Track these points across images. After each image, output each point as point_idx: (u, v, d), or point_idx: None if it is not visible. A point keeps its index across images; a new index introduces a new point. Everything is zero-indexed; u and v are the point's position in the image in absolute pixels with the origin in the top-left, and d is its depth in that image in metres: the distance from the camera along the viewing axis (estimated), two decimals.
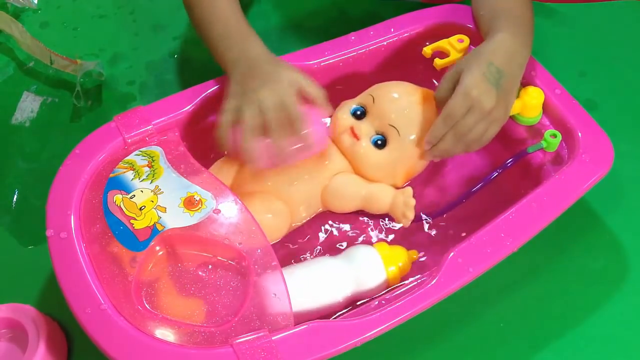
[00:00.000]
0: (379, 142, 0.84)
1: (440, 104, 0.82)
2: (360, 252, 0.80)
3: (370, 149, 0.84)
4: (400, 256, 0.80)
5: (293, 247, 0.85)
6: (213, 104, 0.88)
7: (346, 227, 0.87)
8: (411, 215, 0.81)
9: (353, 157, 0.85)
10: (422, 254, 0.84)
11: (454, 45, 0.89)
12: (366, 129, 0.84)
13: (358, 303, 0.79)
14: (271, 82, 0.81)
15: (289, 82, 0.81)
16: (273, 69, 0.83)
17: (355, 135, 0.84)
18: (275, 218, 0.82)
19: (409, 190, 0.82)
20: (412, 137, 0.83)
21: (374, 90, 0.86)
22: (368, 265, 0.79)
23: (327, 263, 0.80)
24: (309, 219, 0.86)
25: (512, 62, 0.82)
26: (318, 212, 0.86)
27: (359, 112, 0.86)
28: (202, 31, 0.90)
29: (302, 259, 0.84)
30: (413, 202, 0.81)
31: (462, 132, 0.80)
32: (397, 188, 0.85)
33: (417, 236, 0.87)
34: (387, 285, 0.79)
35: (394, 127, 0.83)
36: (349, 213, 0.86)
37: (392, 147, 0.84)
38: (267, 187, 0.83)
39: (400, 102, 0.84)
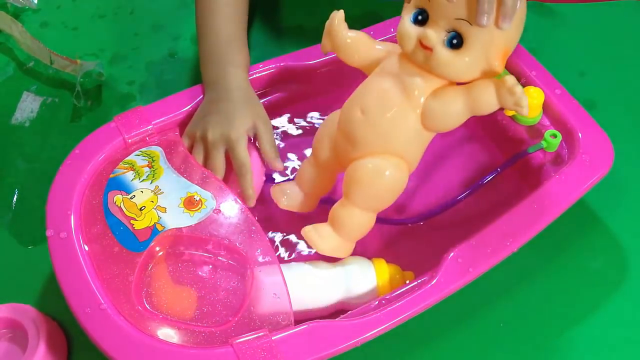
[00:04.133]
0: (454, 40, 0.73)
1: None
2: (356, 265, 0.79)
3: (449, 55, 0.73)
4: (395, 275, 0.79)
5: (290, 247, 0.86)
6: None
7: None
8: (524, 102, 0.72)
9: (434, 70, 0.74)
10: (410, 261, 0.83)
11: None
12: (434, 34, 0.73)
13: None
14: (228, 122, 0.82)
15: (246, 125, 0.83)
16: (240, 107, 0.84)
17: (426, 47, 0.73)
18: (383, 176, 0.76)
19: (509, 79, 0.72)
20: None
21: None
22: (361, 279, 0.78)
23: (320, 268, 0.79)
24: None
25: None
26: None
27: (420, 17, 0.75)
28: (197, 38, 0.91)
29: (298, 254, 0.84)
30: (520, 89, 0.72)
31: None
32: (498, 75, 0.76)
33: (417, 236, 0.87)
34: (375, 297, 0.78)
35: (463, 19, 0.72)
36: None
37: (471, 41, 0.72)
38: (371, 150, 0.77)
39: None
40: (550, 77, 0.90)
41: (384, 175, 0.76)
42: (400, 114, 0.75)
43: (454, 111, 0.75)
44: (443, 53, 0.73)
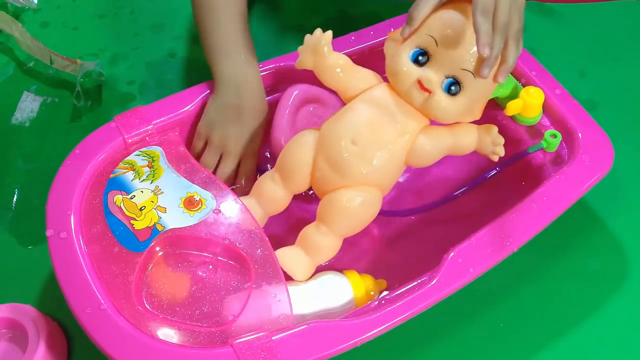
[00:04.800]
0: (453, 87, 0.76)
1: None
2: (331, 281, 0.78)
3: (446, 100, 0.76)
4: (369, 286, 0.79)
5: None
6: None
7: None
8: (501, 152, 0.79)
9: (428, 112, 0.77)
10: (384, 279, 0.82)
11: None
12: (435, 77, 0.76)
13: None
14: (251, 138, 0.86)
15: (261, 139, 0.87)
16: (260, 121, 0.87)
17: (426, 90, 0.76)
18: (369, 209, 0.79)
19: (494, 128, 0.79)
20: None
21: (431, 29, 0.76)
22: (337, 294, 0.77)
23: (295, 284, 0.77)
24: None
25: None
26: None
27: (421, 59, 0.76)
28: (201, 34, 0.91)
29: None
30: (502, 140, 0.78)
31: (502, 22, 0.72)
32: (478, 122, 0.80)
33: (417, 236, 0.87)
34: (353, 309, 0.77)
35: (468, 70, 0.75)
36: None
37: (468, 90, 0.76)
38: (358, 180, 0.77)
39: (469, 41, 0.74)
40: (550, 77, 0.90)
41: (372, 207, 0.79)
42: (393, 150, 0.78)
43: (439, 152, 0.79)
44: (442, 97, 0.76)
